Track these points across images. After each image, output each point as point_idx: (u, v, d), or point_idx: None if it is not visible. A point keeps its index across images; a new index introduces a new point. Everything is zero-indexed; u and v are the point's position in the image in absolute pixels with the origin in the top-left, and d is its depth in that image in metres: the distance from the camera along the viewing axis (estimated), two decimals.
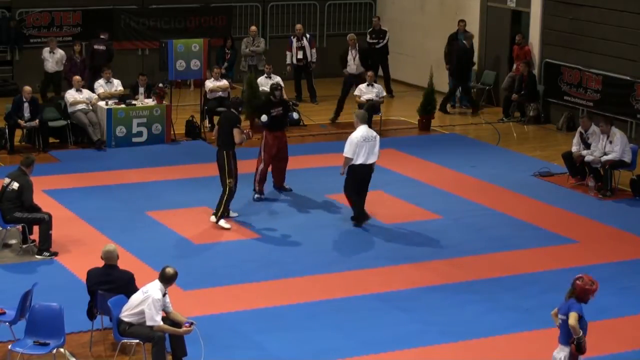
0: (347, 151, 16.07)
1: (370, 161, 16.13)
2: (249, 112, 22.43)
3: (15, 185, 14.79)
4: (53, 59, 23.33)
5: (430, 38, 27.17)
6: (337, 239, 16.03)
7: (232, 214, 16.84)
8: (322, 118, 23.38)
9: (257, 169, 17.82)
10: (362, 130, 16.12)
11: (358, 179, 16.23)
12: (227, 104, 17.02)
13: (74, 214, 16.66)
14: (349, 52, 23.80)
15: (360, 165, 16.08)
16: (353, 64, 23.86)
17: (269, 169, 17.91)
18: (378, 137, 16.31)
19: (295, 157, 19.30)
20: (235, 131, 16.31)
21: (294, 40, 24.76)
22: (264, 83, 23.05)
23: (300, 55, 24.74)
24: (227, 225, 16.36)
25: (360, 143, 16.02)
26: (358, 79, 23.75)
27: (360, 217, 16.43)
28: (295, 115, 17.86)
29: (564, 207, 17.71)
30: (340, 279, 14.38)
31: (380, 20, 26.31)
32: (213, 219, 16.46)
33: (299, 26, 25.16)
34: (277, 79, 23.31)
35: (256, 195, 17.78)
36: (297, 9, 28.01)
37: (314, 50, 24.74)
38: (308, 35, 24.93)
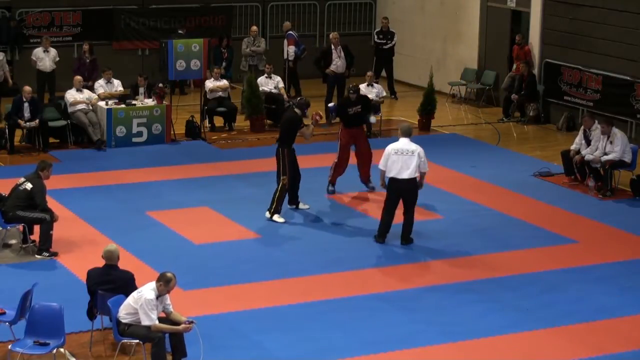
0: (380, 163, 15.64)
1: (403, 176, 15.39)
2: (250, 111, 22.49)
3: (29, 185, 14.87)
4: (48, 57, 23.31)
5: (430, 38, 27.19)
6: (337, 239, 16.03)
7: (302, 205, 17.14)
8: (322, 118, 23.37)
9: (332, 162, 18.07)
10: (398, 143, 15.57)
11: (393, 193, 15.63)
12: (292, 103, 17.50)
13: (74, 214, 16.67)
14: (334, 51, 23.71)
15: (393, 178, 15.53)
16: (339, 62, 23.75)
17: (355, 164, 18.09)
18: (418, 151, 15.40)
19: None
20: (303, 131, 16.77)
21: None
22: (264, 83, 23.06)
23: (285, 53, 24.83)
24: (280, 220, 16.55)
25: (392, 156, 15.47)
26: (342, 78, 23.70)
27: (380, 233, 15.77)
28: (372, 119, 17.79)
29: (564, 207, 17.71)
30: (340, 279, 14.38)
31: (389, 21, 26.26)
32: (267, 215, 16.66)
33: (285, 24, 25.24)
34: (277, 78, 23.34)
35: (330, 188, 18.03)
36: (297, 9, 28.03)
37: (290, 48, 24.56)
38: (287, 32, 24.85)
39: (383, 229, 15.77)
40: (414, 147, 15.52)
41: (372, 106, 18.34)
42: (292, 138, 16.75)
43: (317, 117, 17.25)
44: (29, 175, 15.10)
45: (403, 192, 15.59)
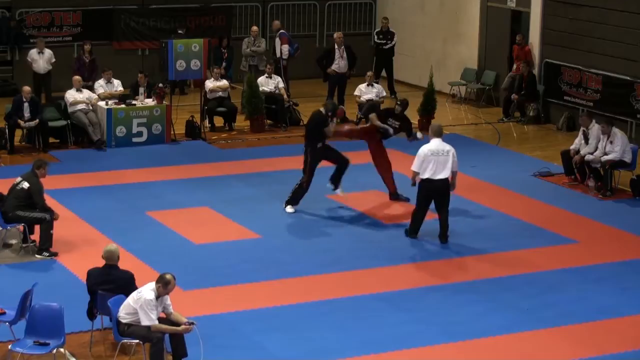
0: (414, 165, 15.51)
1: (439, 176, 15.38)
2: (250, 111, 22.49)
3: (26, 185, 14.87)
4: (42, 59, 23.30)
5: (430, 38, 27.19)
6: (337, 239, 16.03)
7: (340, 191, 17.40)
8: None
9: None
10: (432, 144, 15.50)
11: (425, 194, 15.59)
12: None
13: (74, 214, 16.67)
14: (337, 50, 23.73)
15: (428, 180, 15.44)
16: (341, 62, 23.75)
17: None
18: (453, 151, 15.49)
19: (296, 157, 19.31)
20: (326, 130, 16.90)
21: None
22: (264, 83, 23.06)
23: (272, 51, 24.80)
24: (291, 210, 17.00)
25: (428, 157, 15.38)
26: (343, 78, 23.71)
27: (412, 230, 15.86)
28: (419, 135, 17.71)
29: (564, 207, 17.71)
30: (340, 279, 14.38)
31: (389, 21, 26.26)
32: (284, 205, 17.14)
33: (275, 23, 25.24)
34: (278, 79, 23.34)
35: (394, 196, 17.87)
36: (297, 9, 28.03)
37: (284, 47, 24.52)
38: (280, 31, 24.83)
39: (416, 227, 15.86)
40: (447, 147, 15.55)
41: (410, 129, 18.12)
42: (317, 138, 16.93)
43: (341, 113, 17.50)
44: (25, 174, 15.08)
45: (438, 192, 15.55)
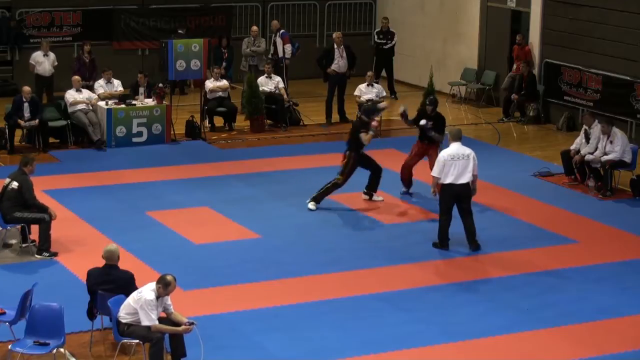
0: (434, 170, 15.41)
1: (461, 181, 15.24)
2: (250, 111, 22.49)
3: (15, 184, 14.81)
4: (48, 61, 23.23)
5: (430, 38, 27.19)
6: (337, 239, 16.02)
7: (375, 197, 17.69)
8: (323, 118, 23.40)
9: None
10: (451, 148, 15.39)
11: (448, 199, 15.38)
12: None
13: (74, 214, 16.66)
14: (336, 50, 23.72)
15: (450, 184, 15.27)
16: (341, 62, 23.74)
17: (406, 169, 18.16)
18: (473, 154, 15.37)
19: (296, 157, 19.35)
20: (361, 136, 16.97)
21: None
22: (264, 83, 23.06)
23: (272, 51, 24.76)
24: (313, 207, 17.14)
25: (448, 161, 15.24)
26: (343, 78, 23.72)
27: (442, 240, 15.56)
28: (423, 121, 17.67)
29: (564, 207, 17.71)
30: (340, 279, 14.38)
31: (389, 21, 26.27)
32: (308, 200, 17.24)
33: (274, 22, 25.23)
34: (277, 79, 23.33)
35: (403, 189, 18.19)
36: (297, 9, 28.04)
37: (287, 46, 24.47)
38: (281, 31, 24.81)
39: (445, 236, 15.57)
40: (468, 150, 15.45)
41: (443, 127, 18.09)
42: (358, 144, 17.08)
43: (375, 124, 17.34)
44: (13, 173, 15.04)
45: (460, 197, 15.39)
